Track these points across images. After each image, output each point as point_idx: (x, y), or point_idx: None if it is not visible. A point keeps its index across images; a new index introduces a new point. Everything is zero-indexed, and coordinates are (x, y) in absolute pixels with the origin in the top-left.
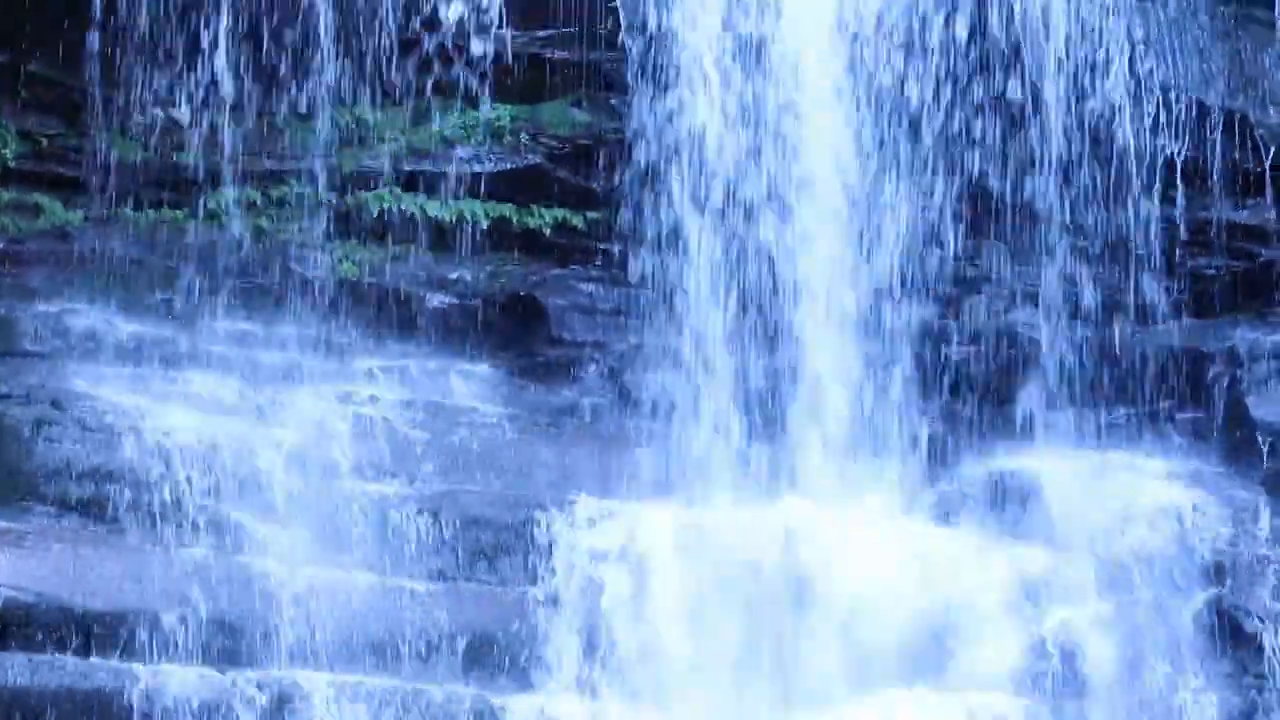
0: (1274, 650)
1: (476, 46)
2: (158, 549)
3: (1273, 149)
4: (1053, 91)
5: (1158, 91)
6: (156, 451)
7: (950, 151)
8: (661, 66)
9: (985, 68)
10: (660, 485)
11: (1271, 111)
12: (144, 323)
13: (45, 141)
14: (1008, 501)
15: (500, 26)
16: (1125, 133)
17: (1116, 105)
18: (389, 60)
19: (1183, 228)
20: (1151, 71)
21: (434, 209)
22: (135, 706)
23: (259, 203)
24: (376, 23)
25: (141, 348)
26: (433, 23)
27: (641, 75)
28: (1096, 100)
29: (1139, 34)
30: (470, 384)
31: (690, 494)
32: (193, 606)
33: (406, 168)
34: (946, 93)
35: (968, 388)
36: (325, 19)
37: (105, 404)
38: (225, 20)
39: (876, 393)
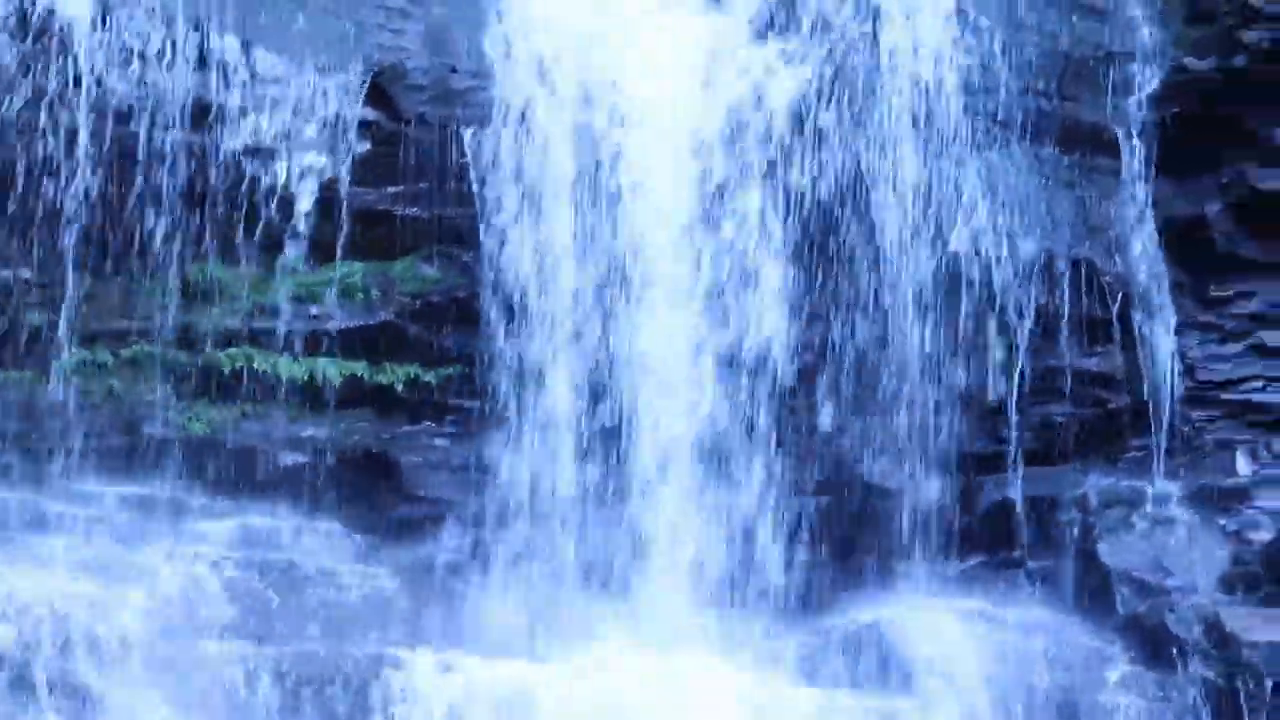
0: None
1: (327, 205)
2: (7, 716)
3: (1120, 296)
4: (900, 239)
5: (1004, 239)
6: (3, 615)
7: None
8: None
9: (829, 214)
10: (511, 641)
11: (1117, 259)
12: None
13: None
14: (863, 653)
15: (351, 183)
16: (973, 280)
17: (964, 253)
18: (238, 218)
19: (1032, 375)
20: (998, 219)
21: (285, 367)
22: None
23: (108, 363)
24: (225, 182)
25: None
26: (282, 180)
27: (489, 231)
28: (944, 248)
29: (985, 182)
30: (323, 542)
31: (539, 650)
32: None
33: (257, 325)
34: (792, 234)
35: (821, 538)
36: (174, 176)
37: None
38: (77, 180)
39: (729, 545)
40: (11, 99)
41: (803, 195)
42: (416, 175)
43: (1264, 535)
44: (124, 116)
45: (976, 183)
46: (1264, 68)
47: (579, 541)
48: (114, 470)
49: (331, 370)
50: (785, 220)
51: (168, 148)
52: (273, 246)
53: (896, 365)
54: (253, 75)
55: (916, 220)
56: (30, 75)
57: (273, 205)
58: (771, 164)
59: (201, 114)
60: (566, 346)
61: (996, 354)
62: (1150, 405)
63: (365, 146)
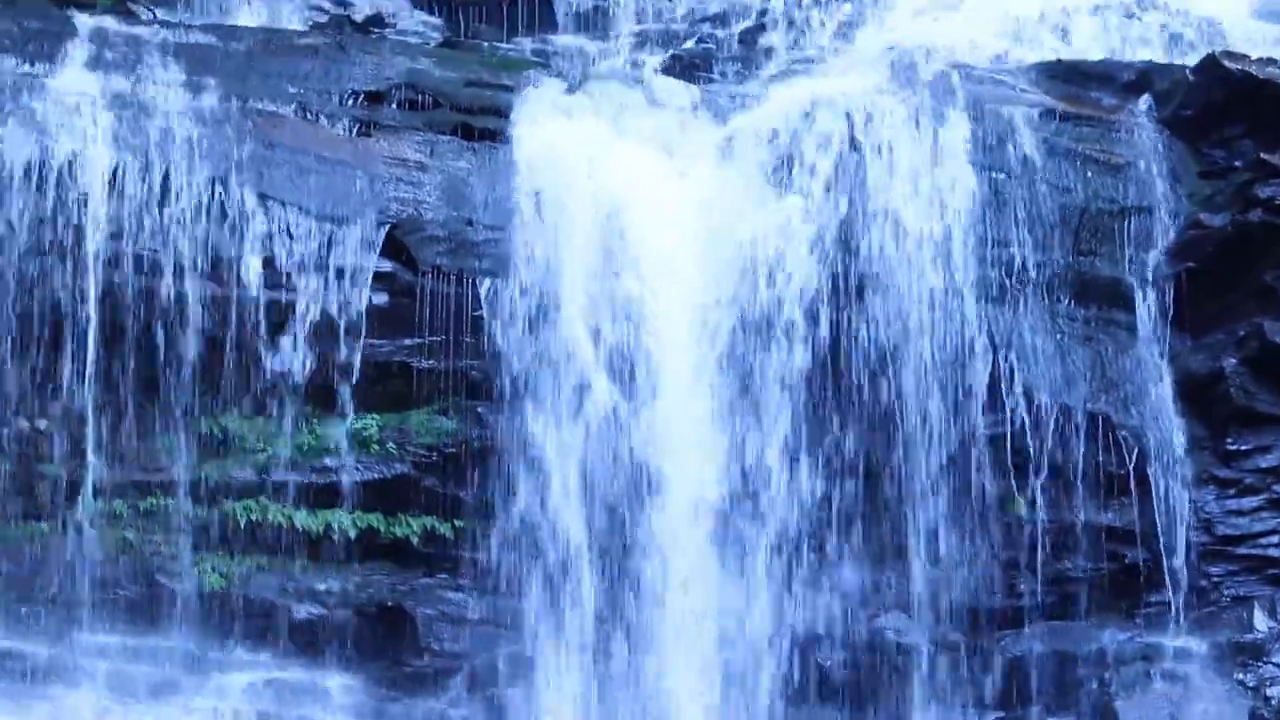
0: None
1: (343, 356)
2: None
3: (1136, 450)
4: (918, 393)
5: (1021, 393)
6: None
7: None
8: (530, 375)
9: (843, 369)
10: None
11: (1134, 413)
12: (9, 636)
13: None
14: None
15: (367, 335)
16: (990, 434)
17: (980, 407)
18: (256, 369)
19: (1048, 529)
20: (1014, 374)
21: (301, 519)
22: None
23: (124, 514)
24: (242, 333)
25: (5, 661)
26: (300, 333)
27: (510, 382)
28: (960, 402)
29: (1002, 336)
30: (338, 696)
31: None
32: None
33: (273, 478)
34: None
35: (838, 694)
36: (191, 326)
37: None
38: (94, 332)
39: (741, 705)
40: (30, 249)
41: (815, 351)
42: (433, 327)
43: None
44: (141, 268)
45: (992, 337)
46: (1278, 222)
47: (591, 701)
48: (131, 622)
49: (347, 522)
50: (799, 376)
51: (185, 299)
52: (289, 399)
53: (912, 519)
54: (270, 227)
55: (932, 375)
56: (48, 225)
57: (290, 357)
58: (788, 321)
59: (219, 266)
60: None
61: (1013, 508)
62: (1167, 560)
63: (382, 298)
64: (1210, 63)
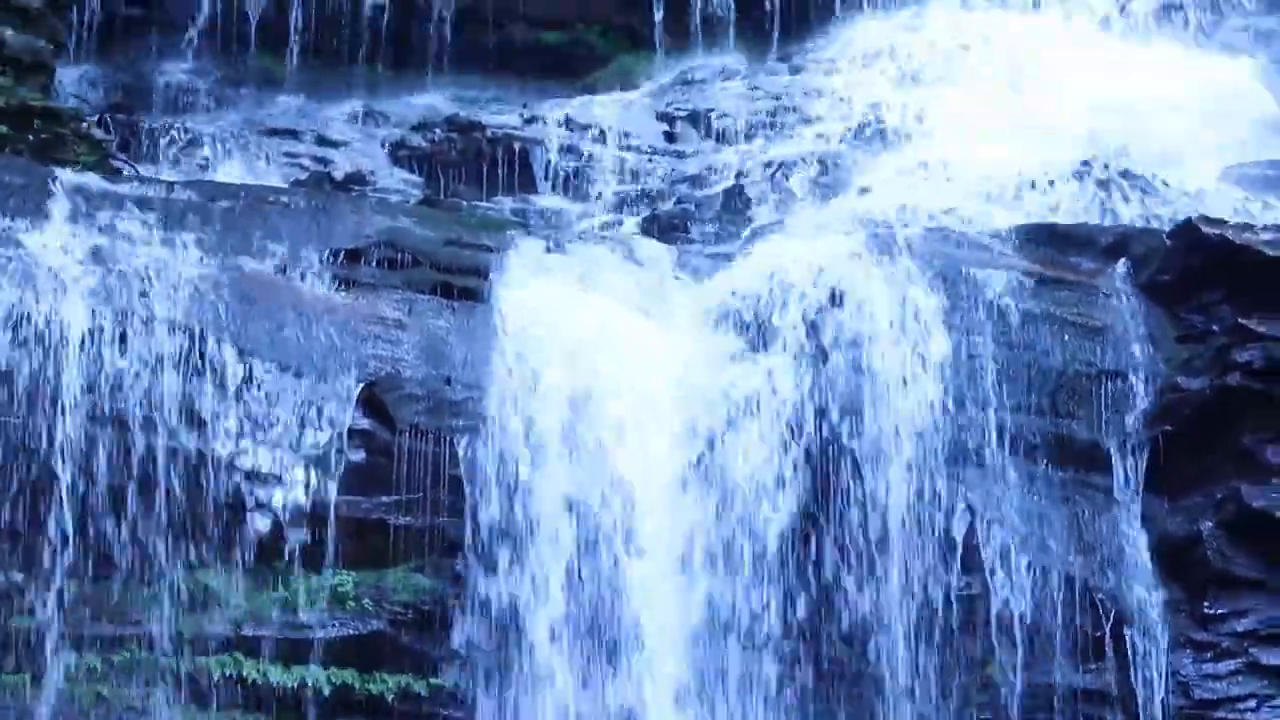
0: None
1: (320, 513)
2: None
3: (1112, 613)
4: (895, 554)
5: (997, 556)
6: None
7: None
8: (507, 533)
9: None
10: None
11: (1110, 576)
12: None
13: None
14: None
15: (344, 492)
16: (965, 596)
17: (957, 570)
18: (232, 524)
19: (1024, 692)
20: (991, 535)
21: (276, 675)
22: None
23: (99, 668)
24: (219, 488)
25: None
26: (276, 488)
27: (487, 538)
28: (937, 565)
29: (979, 498)
30: None
31: None
32: None
33: (248, 632)
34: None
35: None
36: (167, 481)
37: None
38: (68, 486)
39: None
40: (6, 402)
41: (791, 512)
42: (410, 485)
43: None
44: (118, 423)
45: (969, 499)
46: (1256, 386)
47: None
48: None
49: (321, 679)
50: (776, 537)
51: (162, 455)
52: (265, 554)
53: (888, 678)
54: (249, 383)
55: (909, 536)
56: (24, 379)
57: (266, 512)
58: (765, 484)
59: (196, 422)
60: (561, 658)
61: (990, 669)
62: None
63: (360, 455)
64: (1187, 228)
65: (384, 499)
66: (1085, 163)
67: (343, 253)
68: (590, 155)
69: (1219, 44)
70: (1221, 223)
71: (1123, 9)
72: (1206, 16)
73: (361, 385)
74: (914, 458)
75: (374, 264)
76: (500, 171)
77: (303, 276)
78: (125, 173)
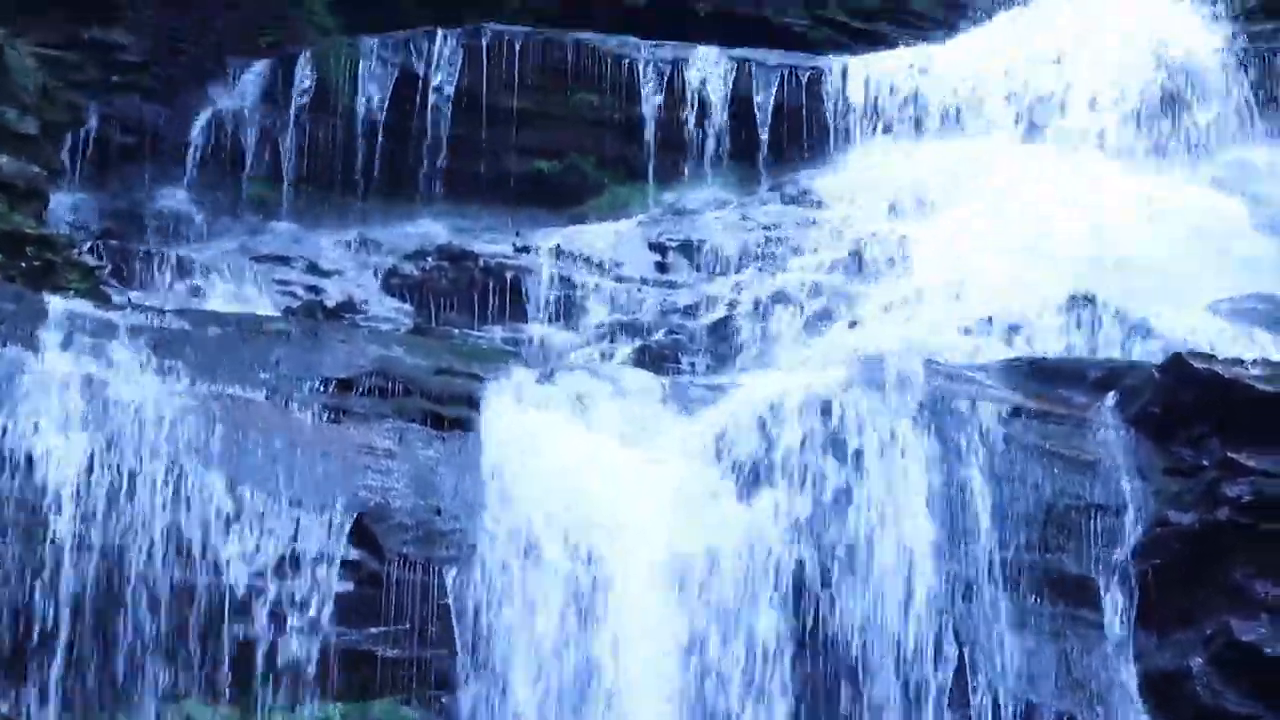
0: None
1: (307, 644)
2: None
3: None
4: (884, 688)
5: (985, 690)
6: None
7: None
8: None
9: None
10: None
11: (1100, 712)
12: None
13: None
14: None
15: (332, 622)
16: None
17: (945, 703)
18: (218, 655)
19: None
20: (979, 670)
21: None
22: None
23: None
24: (205, 618)
25: None
26: (264, 619)
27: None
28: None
29: (968, 632)
30: None
31: None
32: None
33: None
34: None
35: None
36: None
37: None
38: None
39: None
40: None
41: (781, 645)
42: (398, 615)
43: None
44: (108, 553)
45: (958, 633)
46: (1246, 521)
47: None
48: None
49: None
50: (766, 674)
51: (148, 584)
52: (251, 685)
53: None
54: (237, 512)
55: (898, 670)
56: (14, 507)
57: (253, 643)
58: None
59: (186, 551)
60: None
61: None
62: None
63: (349, 585)
64: (1177, 362)
65: (372, 630)
66: (1075, 295)
67: (334, 381)
68: (582, 285)
69: (1209, 178)
70: (1211, 357)
71: (1114, 141)
72: (1197, 151)
73: (352, 515)
74: (903, 594)
75: (365, 393)
76: (492, 300)
77: (294, 405)
78: (117, 300)
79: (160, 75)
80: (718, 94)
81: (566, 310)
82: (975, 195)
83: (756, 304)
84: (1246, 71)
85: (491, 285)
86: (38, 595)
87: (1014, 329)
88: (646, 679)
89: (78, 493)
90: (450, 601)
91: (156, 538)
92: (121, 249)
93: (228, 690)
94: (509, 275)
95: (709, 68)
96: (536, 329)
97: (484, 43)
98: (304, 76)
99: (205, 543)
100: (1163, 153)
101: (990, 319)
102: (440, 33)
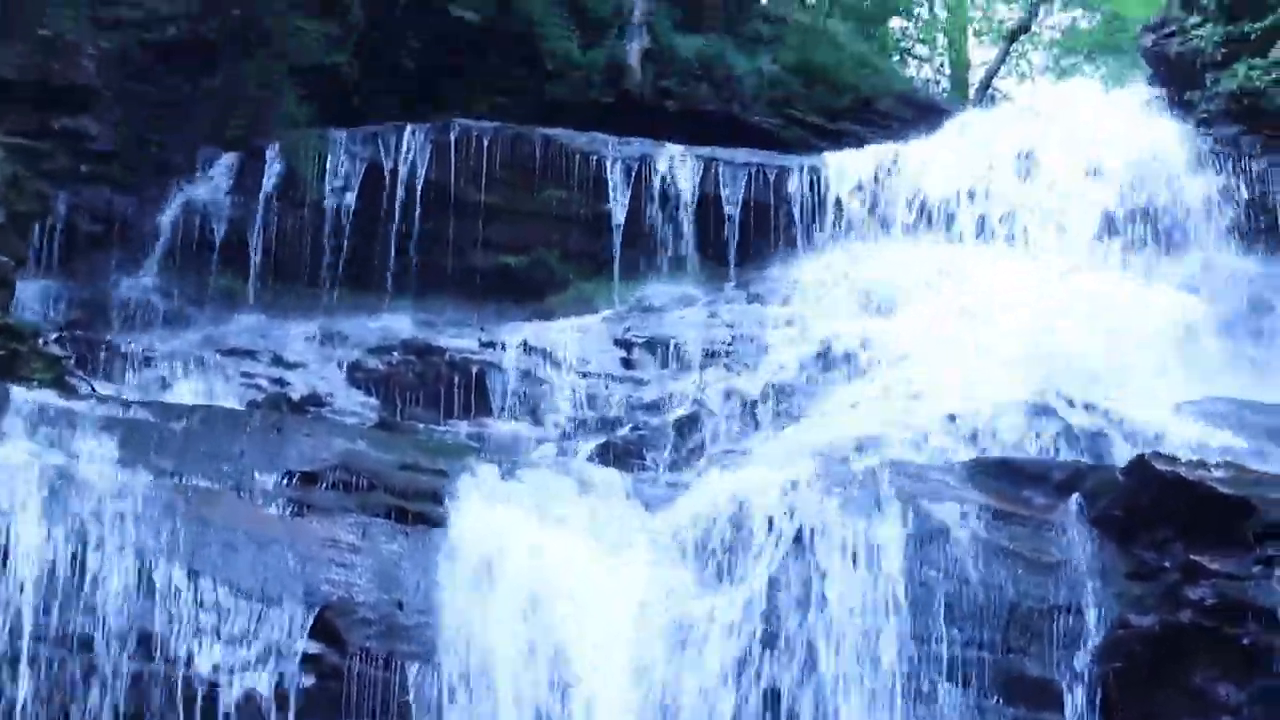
0: None
1: None
2: None
3: None
4: None
5: None
6: None
7: None
8: None
9: None
10: None
11: None
12: None
13: None
14: None
15: (294, 716)
16: None
17: None
18: None
19: None
20: None
21: None
22: None
23: None
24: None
25: None
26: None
27: None
28: None
29: None
30: None
31: None
32: None
33: None
34: None
35: None
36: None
37: None
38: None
39: None
40: None
41: None
42: (360, 710)
43: None
44: (70, 644)
45: None
46: (1208, 624)
47: None
48: None
49: None
50: None
51: (110, 675)
52: None
53: None
54: (200, 606)
55: None
56: None
57: None
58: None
59: (147, 643)
60: None
61: None
62: None
63: (310, 679)
64: (1140, 464)
65: None
66: (1038, 396)
67: (298, 475)
68: (547, 380)
69: (1174, 280)
70: (1174, 460)
71: (1078, 243)
72: (1162, 253)
73: (314, 610)
74: (864, 698)
75: (329, 487)
76: (457, 394)
77: (258, 498)
78: (82, 390)
79: (129, 165)
80: (685, 191)
81: (532, 405)
82: (940, 295)
83: (722, 401)
84: (1212, 175)
85: (457, 380)
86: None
87: (978, 429)
88: None
89: (40, 582)
90: (411, 698)
91: (117, 629)
92: (87, 339)
93: None
94: (474, 370)
95: (676, 165)
96: (501, 424)
97: (452, 137)
98: (273, 168)
99: (166, 634)
100: (1128, 255)
101: (954, 418)
102: (409, 127)
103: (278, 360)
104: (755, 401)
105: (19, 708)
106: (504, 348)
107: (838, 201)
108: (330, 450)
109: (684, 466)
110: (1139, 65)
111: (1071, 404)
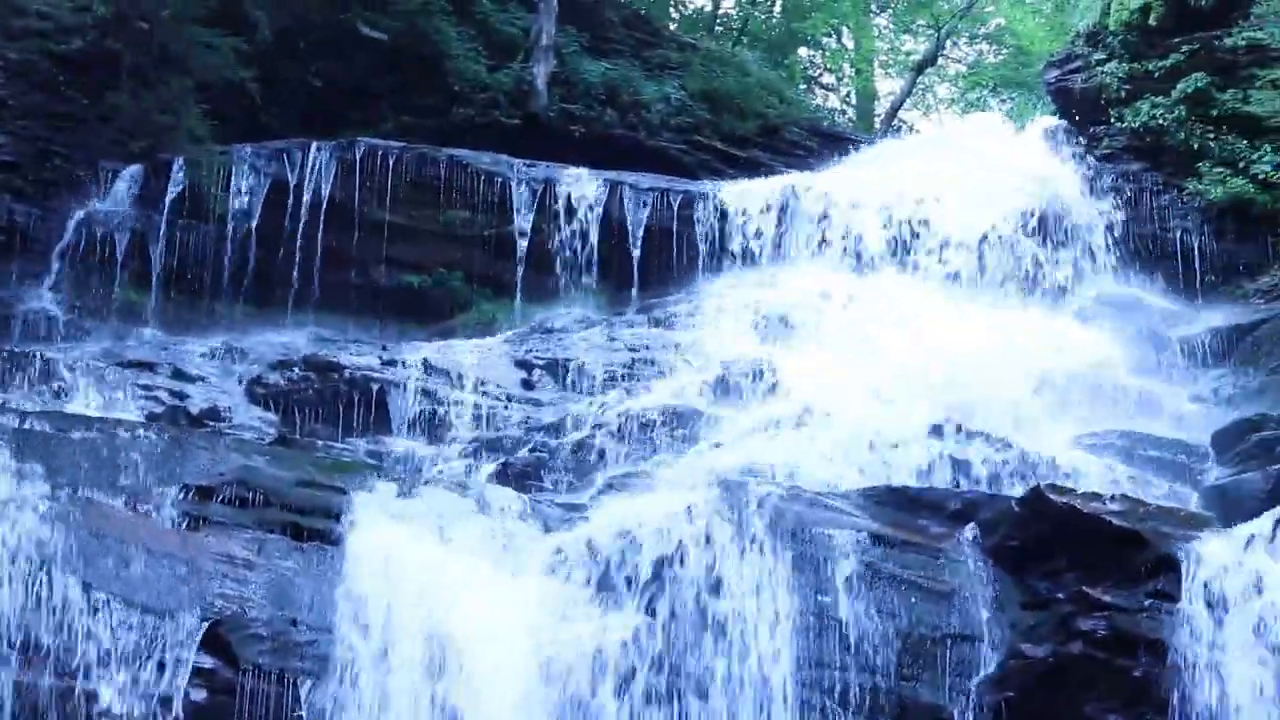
0: None
1: None
2: None
3: None
4: None
5: None
6: None
7: None
8: None
9: None
10: None
11: None
12: None
13: None
14: None
15: None
16: None
17: None
18: None
19: None
20: None
21: None
22: None
23: None
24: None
25: None
26: None
27: None
28: None
29: None
30: None
31: None
32: None
33: None
34: None
35: None
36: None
37: None
38: None
39: None
40: None
41: None
42: None
43: None
44: None
45: None
46: (1099, 656)
47: None
48: None
49: None
50: None
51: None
52: None
53: None
54: (92, 617)
55: None
56: None
57: None
58: None
59: (34, 654)
60: None
61: None
62: None
63: (201, 694)
64: (1035, 495)
65: None
66: (937, 425)
67: (194, 489)
68: (447, 400)
69: (1074, 313)
70: (1070, 491)
71: (979, 274)
72: (1063, 286)
73: (206, 624)
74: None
75: (225, 502)
76: (357, 412)
77: (153, 511)
78: None
79: (31, 176)
80: (589, 214)
81: (431, 425)
82: (841, 323)
83: (621, 424)
84: (1113, 210)
85: (357, 397)
86: None
87: (875, 457)
88: None
89: None
90: (304, 713)
91: (7, 641)
92: None
93: None
94: (375, 388)
95: (581, 188)
96: (400, 443)
97: (357, 155)
98: (177, 182)
99: (55, 645)
100: (1030, 288)
101: (852, 446)
102: (314, 144)
103: (178, 374)
104: (654, 424)
105: None
106: (405, 366)
107: (741, 228)
108: (228, 465)
109: (580, 488)
110: (1044, 100)
111: (969, 434)
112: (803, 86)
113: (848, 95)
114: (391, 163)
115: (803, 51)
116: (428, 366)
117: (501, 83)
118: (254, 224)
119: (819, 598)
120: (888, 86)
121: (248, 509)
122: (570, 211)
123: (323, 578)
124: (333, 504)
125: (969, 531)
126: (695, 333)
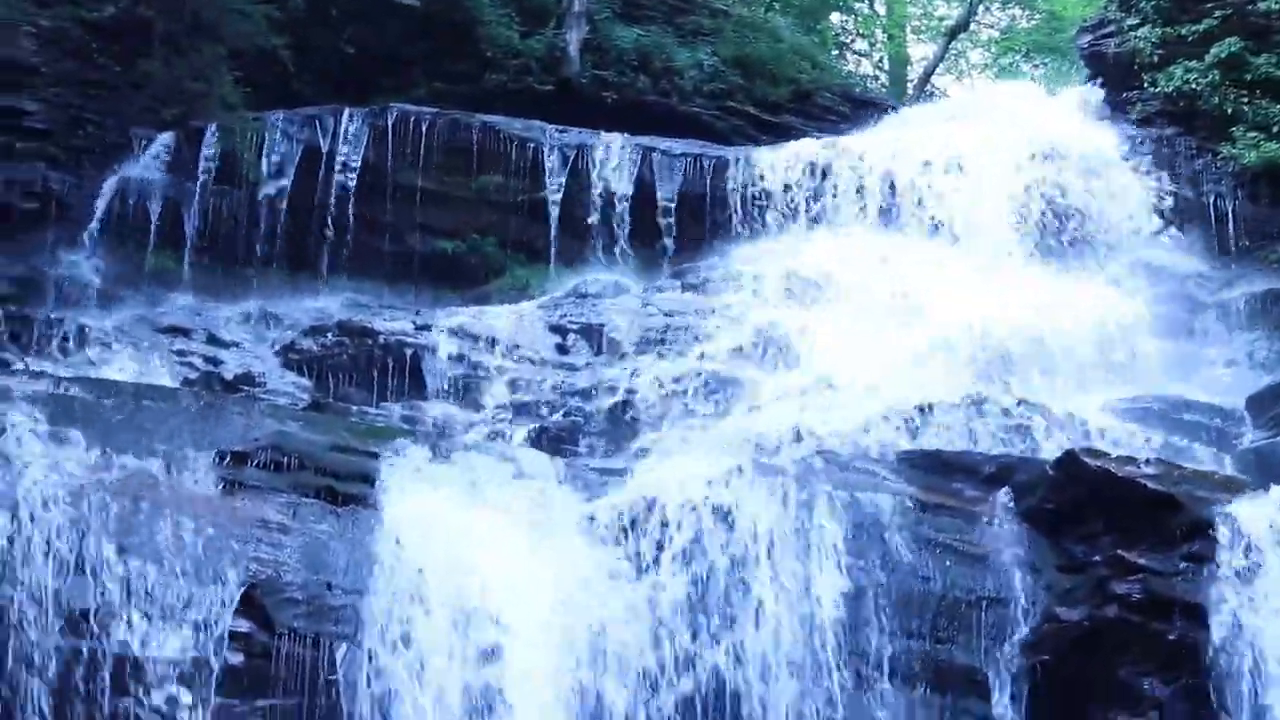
0: None
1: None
2: None
3: None
4: None
5: None
6: None
7: None
8: None
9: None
10: None
11: None
12: None
13: None
14: None
15: (220, 694)
16: None
17: None
18: None
19: None
20: None
21: None
22: None
23: None
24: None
25: None
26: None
27: None
28: None
29: None
30: None
31: None
32: None
33: None
34: None
35: None
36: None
37: None
38: None
39: None
40: None
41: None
42: (287, 689)
43: None
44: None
45: None
46: (1135, 619)
47: None
48: None
49: None
50: None
51: (37, 651)
52: None
53: None
54: (128, 582)
55: None
56: None
57: (142, 712)
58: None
59: (75, 618)
60: None
61: None
62: None
63: (238, 658)
64: (1070, 459)
65: (259, 703)
66: (972, 389)
67: (229, 454)
68: (481, 365)
69: (1109, 279)
70: (1105, 455)
71: (1015, 239)
72: (1098, 252)
73: (242, 588)
74: (792, 683)
75: (260, 466)
76: (390, 377)
77: (188, 476)
78: (14, 366)
79: (65, 143)
80: (622, 180)
81: (465, 389)
82: (876, 287)
83: (655, 389)
84: (1147, 174)
85: (391, 363)
86: None
87: (910, 421)
88: None
89: None
90: (339, 677)
91: (46, 605)
92: (21, 315)
93: None
94: (409, 353)
95: (614, 154)
96: (435, 407)
97: (390, 121)
98: (209, 149)
99: (94, 611)
100: (1064, 253)
101: (887, 410)
102: (347, 110)
103: (212, 339)
104: (688, 390)
105: None
106: (439, 331)
107: (775, 193)
108: (262, 430)
109: (615, 453)
110: (1077, 65)
111: (1004, 399)
112: (835, 52)
113: (880, 61)
114: (424, 129)
115: (835, 17)
116: (462, 331)
117: (534, 49)
118: (287, 190)
119: (854, 562)
120: (920, 52)
121: (282, 473)
122: (603, 177)
123: (357, 542)
124: (367, 468)
125: (1003, 495)
126: (729, 297)
